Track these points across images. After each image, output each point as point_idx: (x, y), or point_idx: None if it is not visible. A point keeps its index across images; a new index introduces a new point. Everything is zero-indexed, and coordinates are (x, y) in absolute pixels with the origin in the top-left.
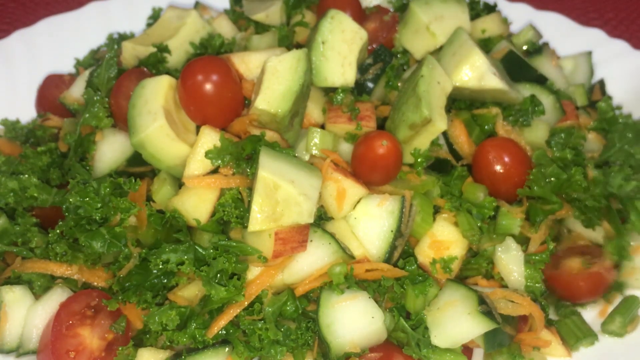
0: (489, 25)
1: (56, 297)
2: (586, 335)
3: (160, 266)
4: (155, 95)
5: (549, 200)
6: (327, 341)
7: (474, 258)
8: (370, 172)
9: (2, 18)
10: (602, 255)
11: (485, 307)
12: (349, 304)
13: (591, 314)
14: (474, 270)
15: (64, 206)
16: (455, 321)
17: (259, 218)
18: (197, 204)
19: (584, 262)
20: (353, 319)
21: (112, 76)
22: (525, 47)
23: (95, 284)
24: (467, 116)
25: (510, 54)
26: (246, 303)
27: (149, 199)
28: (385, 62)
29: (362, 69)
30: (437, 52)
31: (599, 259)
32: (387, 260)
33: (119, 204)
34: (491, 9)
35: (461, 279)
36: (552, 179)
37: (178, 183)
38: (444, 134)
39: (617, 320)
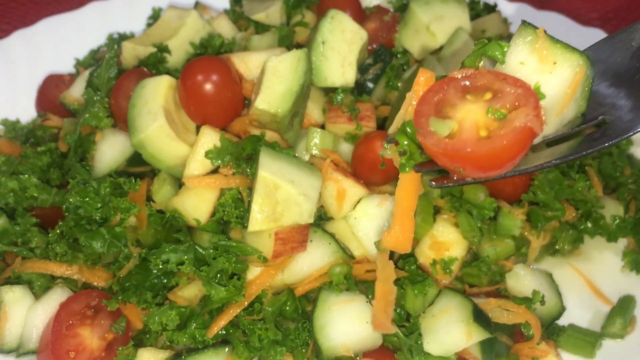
0: (489, 25)
1: (56, 297)
2: (596, 337)
3: (160, 266)
4: (155, 95)
5: (551, 206)
6: (319, 343)
7: (474, 262)
8: (370, 172)
9: (2, 18)
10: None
11: (480, 316)
12: (345, 307)
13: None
14: (474, 277)
15: (64, 206)
16: (448, 329)
17: (259, 218)
18: (197, 204)
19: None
20: (347, 323)
21: (112, 76)
22: None
23: (95, 284)
24: None
25: None
26: (246, 303)
27: (149, 199)
28: (385, 62)
29: (362, 69)
30: (437, 52)
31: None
32: None
33: (119, 204)
34: (491, 9)
35: (462, 284)
36: (556, 185)
37: (178, 183)
38: None
39: (618, 322)
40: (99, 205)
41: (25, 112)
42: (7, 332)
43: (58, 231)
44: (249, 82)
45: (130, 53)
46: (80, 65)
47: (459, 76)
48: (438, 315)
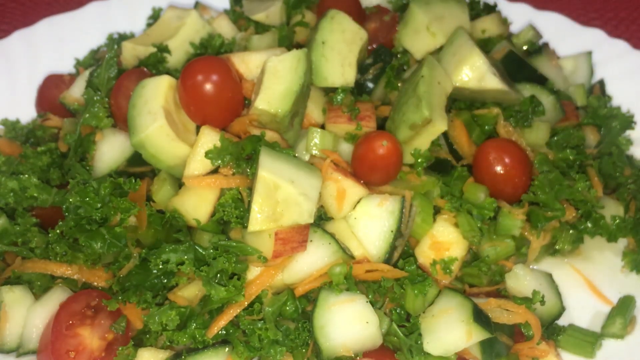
0: (489, 25)
1: (56, 297)
2: (596, 337)
3: (160, 266)
4: (155, 95)
5: (551, 206)
6: (319, 343)
7: (474, 262)
8: (370, 172)
9: (2, 18)
10: None
11: (480, 316)
12: (345, 307)
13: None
14: (474, 277)
15: (64, 206)
16: (448, 329)
17: (259, 218)
18: (197, 204)
19: None
20: (347, 323)
21: (112, 76)
22: (525, 47)
23: (95, 284)
24: (467, 116)
25: (510, 54)
26: (246, 303)
27: (149, 199)
28: (385, 62)
29: (362, 69)
30: (437, 52)
31: None
32: (387, 260)
33: (119, 204)
34: (491, 9)
35: (462, 284)
36: (556, 185)
37: (178, 183)
38: (444, 134)
39: (618, 322)
40: (99, 205)
41: (25, 112)
42: (7, 332)
43: (58, 231)
44: (249, 82)
45: (130, 53)
46: (80, 65)
47: None
48: (438, 315)
